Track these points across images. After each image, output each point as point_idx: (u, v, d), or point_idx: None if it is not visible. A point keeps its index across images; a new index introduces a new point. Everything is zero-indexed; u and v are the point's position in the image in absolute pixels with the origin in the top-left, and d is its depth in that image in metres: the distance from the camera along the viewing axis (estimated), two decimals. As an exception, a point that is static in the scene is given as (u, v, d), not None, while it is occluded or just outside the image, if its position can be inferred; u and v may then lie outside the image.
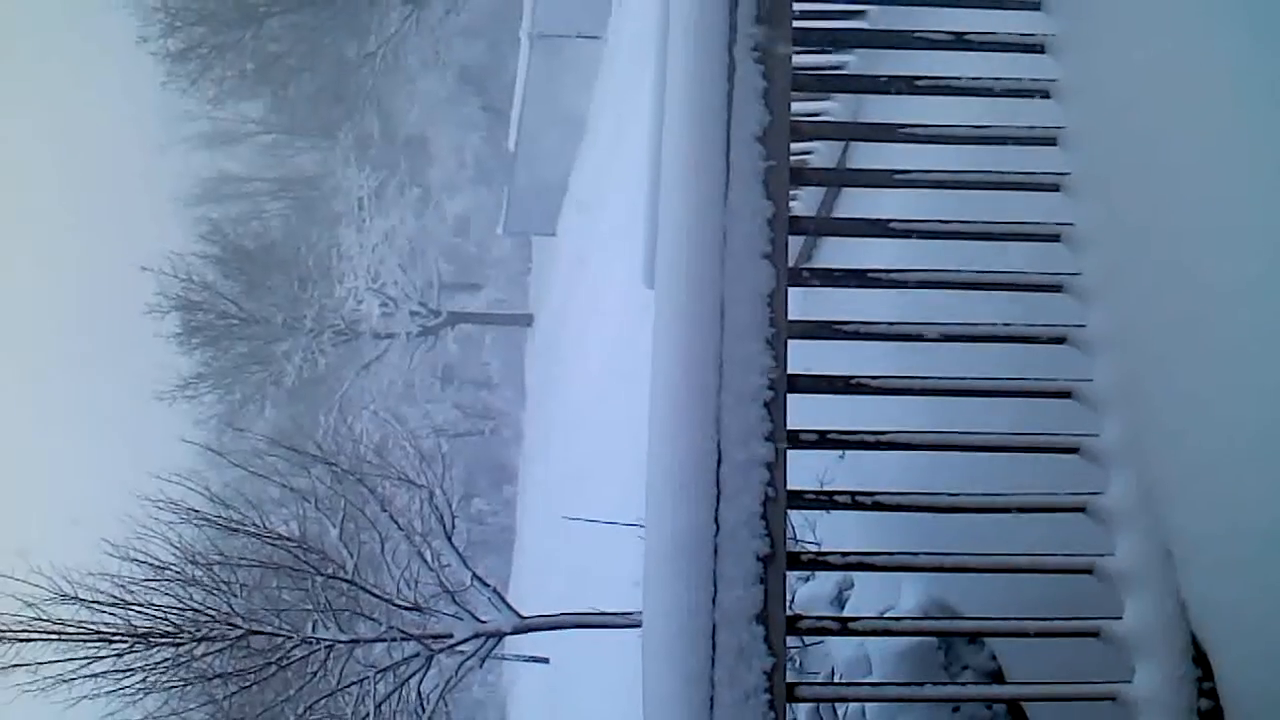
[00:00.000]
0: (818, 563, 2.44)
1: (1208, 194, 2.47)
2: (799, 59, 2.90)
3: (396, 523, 8.09)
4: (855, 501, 2.51)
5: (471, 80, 31.81)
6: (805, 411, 2.66)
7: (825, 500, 2.53)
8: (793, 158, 2.85)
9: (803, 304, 2.79)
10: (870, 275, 2.90)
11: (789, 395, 2.53)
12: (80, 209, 41.76)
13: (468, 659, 7.39)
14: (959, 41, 2.97)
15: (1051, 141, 2.89)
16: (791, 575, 2.55)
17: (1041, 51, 2.95)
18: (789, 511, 2.44)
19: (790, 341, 2.59)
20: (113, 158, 40.39)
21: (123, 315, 26.47)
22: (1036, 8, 2.98)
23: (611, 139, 16.99)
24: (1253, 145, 2.37)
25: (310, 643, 7.54)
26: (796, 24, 2.90)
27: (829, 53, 4.49)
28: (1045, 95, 2.92)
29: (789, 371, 2.55)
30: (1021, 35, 2.97)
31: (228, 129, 34.57)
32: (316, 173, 33.33)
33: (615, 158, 15.84)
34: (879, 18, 3.99)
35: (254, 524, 8.73)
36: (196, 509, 9.08)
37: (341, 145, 28.15)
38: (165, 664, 7.98)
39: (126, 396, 30.16)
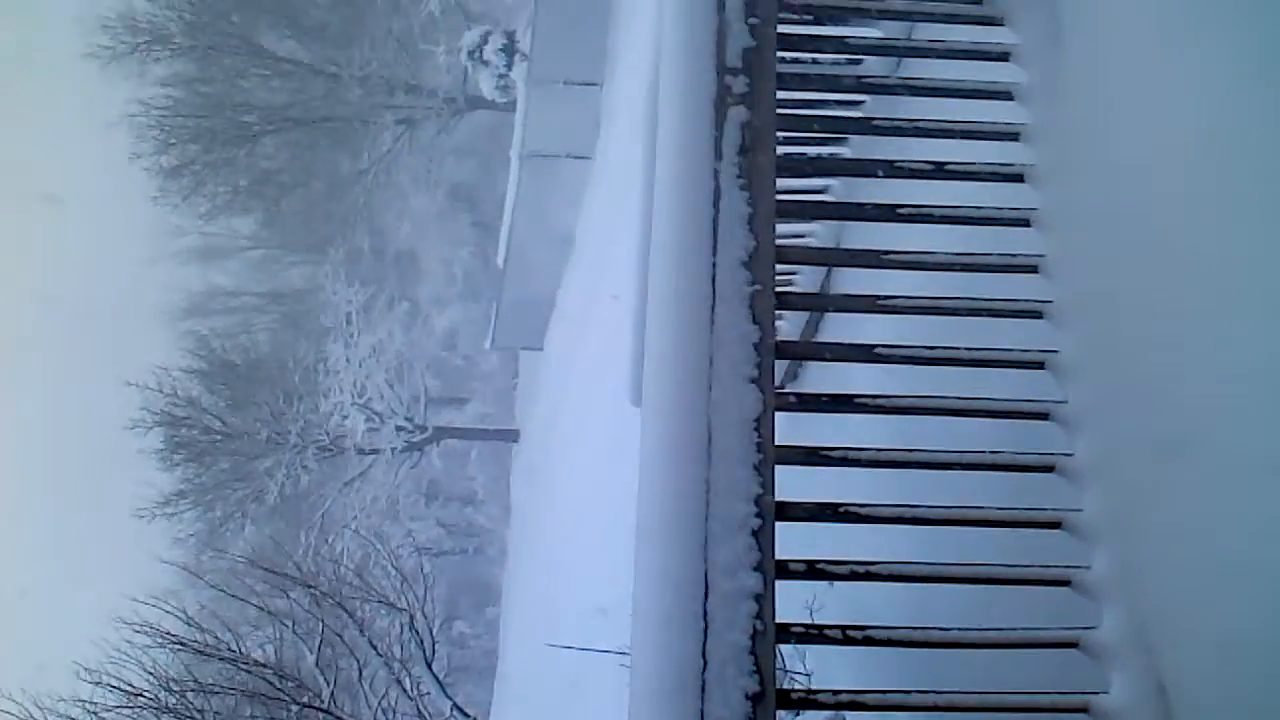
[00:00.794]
0: (808, 702, 2.36)
1: (1192, 322, 2.48)
2: (782, 184, 2.94)
3: (375, 648, 7.88)
4: (846, 636, 2.45)
5: (462, 197, 32.35)
6: (790, 533, 2.62)
7: (815, 634, 2.46)
8: (778, 278, 2.86)
9: (788, 425, 2.77)
10: (857, 401, 2.88)
11: (777, 523, 2.49)
12: (66, 324, 41.79)
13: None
14: (939, 171, 3.02)
15: (1033, 269, 2.91)
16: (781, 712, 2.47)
17: (1021, 181, 3.00)
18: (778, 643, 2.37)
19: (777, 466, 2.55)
20: (100, 272, 40.61)
21: (105, 431, 26.25)
22: (1015, 139, 3.04)
23: (598, 257, 17.18)
24: (1237, 274, 2.38)
25: (283, 775, 7.28)
26: (780, 150, 2.95)
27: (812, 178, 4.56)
28: (1026, 224, 2.96)
29: (777, 498, 2.51)
30: (1001, 165, 3.02)
31: (218, 244, 34.88)
32: (305, 287, 33.54)
33: (602, 276, 16.00)
34: (860, 147, 4.07)
35: (229, 649, 8.50)
36: (172, 632, 8.85)
37: (331, 260, 28.39)
38: (134, 797, 7.68)
39: (105, 514, 29.71)
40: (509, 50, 20.91)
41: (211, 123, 28.93)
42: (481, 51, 21.13)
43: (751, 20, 2.98)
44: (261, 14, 30.23)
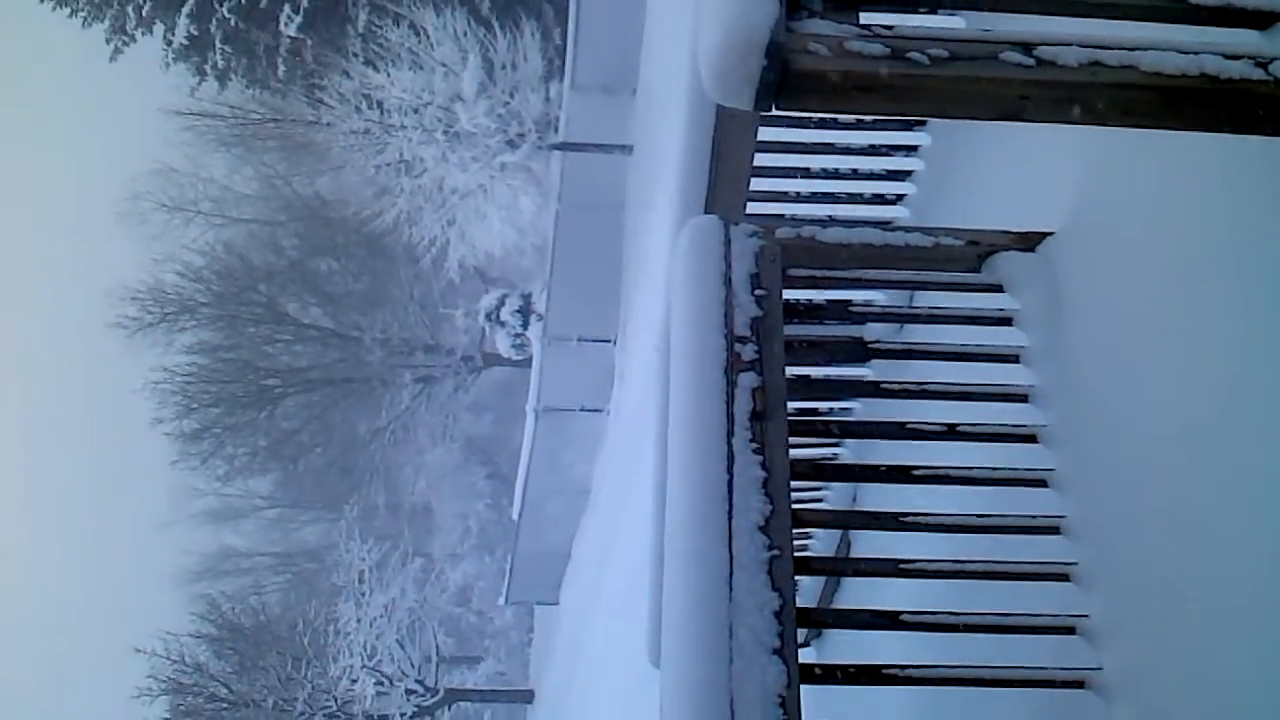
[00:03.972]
0: None
1: (1216, 587, 2.43)
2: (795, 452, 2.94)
3: None
4: None
5: (477, 450, 32.67)
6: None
7: None
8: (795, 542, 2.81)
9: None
10: (885, 672, 2.78)
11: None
12: (78, 590, 41.35)
13: None
14: (951, 433, 3.03)
15: (1055, 530, 2.87)
16: None
17: (1035, 441, 3.00)
18: None
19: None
20: (114, 536, 40.54)
21: (112, 700, 25.48)
22: (1024, 400, 3.06)
23: (613, 510, 17.12)
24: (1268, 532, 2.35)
25: None
26: (791, 418, 2.97)
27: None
28: (1044, 484, 2.94)
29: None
30: (1013, 427, 3.04)
31: (234, 505, 34.96)
32: (319, 545, 33.35)
33: (617, 529, 15.88)
34: (867, 408, 4.11)
35: None
36: None
37: (346, 517, 28.40)
38: None
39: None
40: (525, 311, 21.67)
41: (234, 387, 29.66)
42: (499, 313, 21.90)
43: (758, 292, 3.07)
44: (288, 283, 31.59)
